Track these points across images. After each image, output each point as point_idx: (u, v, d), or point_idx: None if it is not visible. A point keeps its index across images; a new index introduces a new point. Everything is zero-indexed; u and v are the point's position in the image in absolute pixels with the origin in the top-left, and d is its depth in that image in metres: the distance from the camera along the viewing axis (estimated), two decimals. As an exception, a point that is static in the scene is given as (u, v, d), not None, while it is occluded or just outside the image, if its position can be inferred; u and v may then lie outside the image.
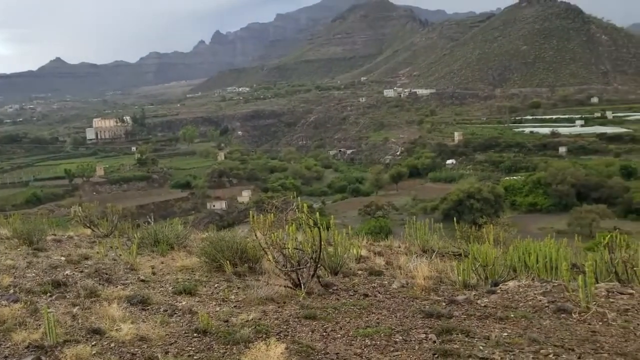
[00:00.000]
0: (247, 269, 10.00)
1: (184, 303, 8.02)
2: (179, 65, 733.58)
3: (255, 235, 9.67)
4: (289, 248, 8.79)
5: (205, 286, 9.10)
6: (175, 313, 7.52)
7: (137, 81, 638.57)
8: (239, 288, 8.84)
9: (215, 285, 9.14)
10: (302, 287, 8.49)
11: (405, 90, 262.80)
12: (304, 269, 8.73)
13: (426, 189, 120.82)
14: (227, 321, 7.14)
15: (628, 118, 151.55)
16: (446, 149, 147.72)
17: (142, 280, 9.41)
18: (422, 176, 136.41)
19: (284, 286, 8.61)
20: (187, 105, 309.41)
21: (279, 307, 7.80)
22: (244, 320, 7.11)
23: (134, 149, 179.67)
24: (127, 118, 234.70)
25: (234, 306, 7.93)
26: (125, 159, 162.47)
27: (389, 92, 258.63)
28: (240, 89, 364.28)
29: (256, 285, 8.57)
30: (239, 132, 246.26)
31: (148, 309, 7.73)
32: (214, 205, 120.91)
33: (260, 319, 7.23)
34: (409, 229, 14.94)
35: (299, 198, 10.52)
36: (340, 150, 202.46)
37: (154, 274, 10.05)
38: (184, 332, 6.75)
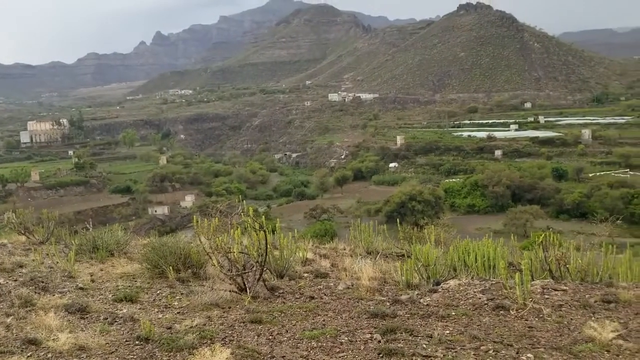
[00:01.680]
0: (191, 275, 9.82)
1: (124, 310, 7.80)
2: (118, 66, 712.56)
3: (199, 240, 9.53)
4: (234, 252, 8.70)
5: (147, 293, 8.88)
6: (116, 321, 7.30)
7: (74, 83, 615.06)
8: (182, 294, 8.67)
9: (158, 292, 8.93)
10: (248, 291, 8.43)
11: (349, 95, 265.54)
12: (250, 273, 8.67)
13: (370, 191, 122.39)
14: (170, 328, 6.99)
15: (559, 122, 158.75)
16: (389, 152, 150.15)
17: (81, 288, 9.08)
18: (366, 179, 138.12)
19: (229, 291, 8.52)
20: (127, 108, 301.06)
21: (224, 312, 7.71)
22: (187, 327, 6.98)
23: (71, 152, 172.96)
24: (64, 121, 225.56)
25: (178, 312, 7.77)
26: (61, 164, 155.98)
27: (333, 96, 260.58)
28: (183, 92, 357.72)
29: (200, 290, 8.44)
30: (182, 136, 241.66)
31: (87, 317, 7.47)
32: (155, 211, 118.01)
33: (204, 324, 7.12)
34: (354, 231, 15.09)
35: (244, 202, 10.43)
36: (285, 154, 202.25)
37: (93, 281, 9.72)
38: (125, 340, 6.56)
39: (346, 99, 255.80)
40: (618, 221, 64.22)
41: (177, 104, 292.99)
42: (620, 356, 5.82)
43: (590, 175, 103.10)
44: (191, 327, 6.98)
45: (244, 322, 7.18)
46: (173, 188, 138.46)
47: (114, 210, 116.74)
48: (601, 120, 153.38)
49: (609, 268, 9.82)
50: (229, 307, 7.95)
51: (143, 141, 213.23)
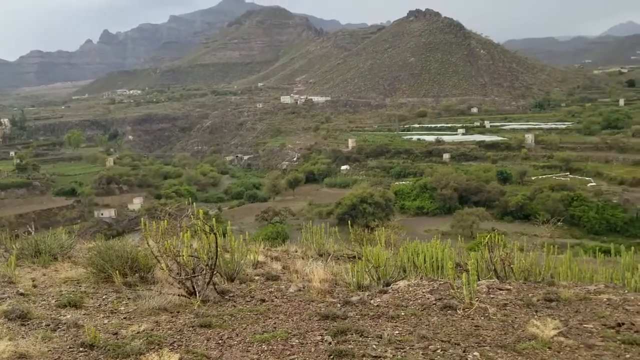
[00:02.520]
0: (139, 279, 9.59)
1: (68, 316, 7.54)
2: (63, 65, 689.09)
3: (147, 243, 9.32)
4: (183, 256, 8.56)
5: (92, 298, 8.61)
6: (59, 327, 7.05)
7: (16, 81, 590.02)
8: (129, 299, 8.46)
9: (104, 297, 8.68)
10: (197, 295, 8.30)
11: (302, 97, 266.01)
12: (200, 277, 8.54)
13: (322, 194, 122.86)
14: (116, 334, 6.80)
15: (503, 127, 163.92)
16: (341, 155, 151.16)
17: (22, 294, 8.72)
18: (318, 181, 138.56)
19: (178, 295, 8.37)
20: (72, 108, 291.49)
21: (172, 317, 7.57)
22: (134, 332, 6.81)
23: (12, 153, 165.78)
24: (5, 120, 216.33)
25: (124, 318, 7.57)
26: (2, 165, 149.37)
27: (285, 99, 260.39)
28: (131, 92, 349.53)
29: (148, 295, 8.25)
30: (130, 137, 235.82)
31: (28, 324, 7.18)
32: (102, 214, 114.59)
33: (152, 329, 6.97)
34: (306, 233, 15.12)
35: (194, 204, 10.28)
36: (237, 156, 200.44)
37: (34, 286, 9.34)
38: (68, 347, 6.34)
39: (298, 102, 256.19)
40: (559, 223, 67.02)
41: (125, 104, 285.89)
42: (561, 353, 6.05)
43: (533, 178, 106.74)
44: (138, 332, 6.81)
45: (193, 327, 7.07)
46: (120, 190, 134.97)
47: (58, 213, 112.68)
48: (543, 126, 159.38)
49: (551, 268, 10.22)
50: (178, 312, 7.81)
51: (89, 142, 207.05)
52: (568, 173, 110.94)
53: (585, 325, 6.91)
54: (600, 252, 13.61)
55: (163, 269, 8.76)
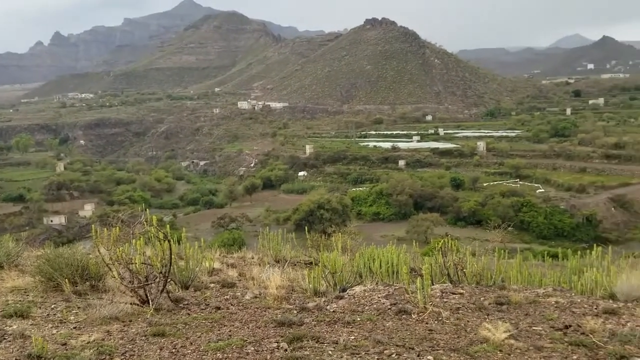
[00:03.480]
0: (89, 288, 9.33)
1: (14, 327, 7.25)
2: (11, 67, 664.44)
3: (99, 250, 9.08)
4: (136, 263, 8.38)
5: (40, 307, 8.31)
6: (5, 338, 6.78)
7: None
8: (79, 308, 8.21)
9: (52, 306, 8.39)
10: (151, 303, 8.13)
11: (259, 103, 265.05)
12: (153, 285, 8.38)
13: (279, 200, 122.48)
14: (65, 344, 6.59)
15: (457, 135, 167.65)
16: (298, 161, 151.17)
17: (-37, 305, 8.33)
18: (276, 188, 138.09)
19: (131, 303, 8.18)
20: (21, 111, 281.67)
21: (124, 326, 7.38)
22: (84, 342, 6.61)
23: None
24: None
25: (74, 327, 7.34)
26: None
27: (243, 104, 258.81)
28: (83, 95, 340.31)
29: (99, 304, 8.02)
30: (81, 142, 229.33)
31: (-30, 336, 6.87)
32: (51, 220, 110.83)
33: (103, 339, 6.78)
34: (262, 239, 15.04)
35: (147, 211, 10.07)
36: (193, 162, 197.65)
37: (-23, 297, 8.95)
38: (14, 358, 6.10)
39: (256, 107, 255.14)
40: (509, 228, 68.92)
41: (76, 108, 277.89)
42: (512, 355, 6.20)
43: (485, 184, 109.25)
44: (88, 342, 6.62)
45: (145, 336, 6.92)
46: (71, 196, 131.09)
47: (5, 220, 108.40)
48: (494, 133, 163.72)
49: (502, 272, 10.49)
50: (130, 321, 7.63)
51: (38, 147, 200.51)
52: (518, 180, 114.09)
53: (534, 328, 7.11)
54: (548, 256, 14.08)
55: (115, 277, 8.55)
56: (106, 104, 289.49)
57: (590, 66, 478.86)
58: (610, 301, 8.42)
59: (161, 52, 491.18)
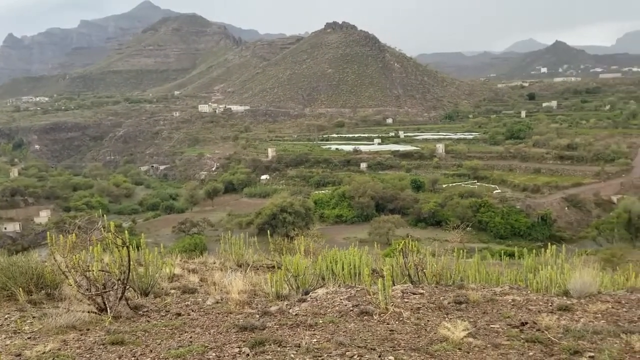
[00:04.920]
0: (45, 296, 9.07)
1: (-36, 340, 6.99)
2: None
3: (54, 258, 8.84)
4: (93, 270, 8.19)
5: (-8, 319, 8.03)
6: (-47, 352, 6.51)
7: None
8: (34, 317, 7.97)
9: (6, 316, 8.12)
10: (109, 311, 7.97)
11: (220, 106, 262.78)
12: (111, 292, 8.20)
13: (242, 204, 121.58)
14: (19, 355, 6.39)
15: (416, 137, 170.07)
16: (260, 164, 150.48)
17: None
18: (238, 191, 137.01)
19: (88, 312, 7.98)
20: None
21: (81, 335, 7.20)
22: (40, 353, 6.42)
23: None
24: None
25: (29, 338, 7.12)
26: None
27: (203, 108, 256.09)
28: (38, 99, 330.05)
29: (55, 313, 7.80)
30: (36, 146, 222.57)
31: None
32: (5, 228, 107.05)
33: (59, 349, 6.60)
34: (224, 244, 14.90)
35: (105, 217, 9.87)
36: (152, 166, 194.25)
37: None
38: (-37, 373, 5.88)
39: (217, 111, 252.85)
40: (468, 228, 70.32)
41: (31, 112, 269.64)
42: (470, 353, 6.33)
43: (444, 186, 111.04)
44: (44, 352, 6.43)
45: (104, 344, 6.76)
46: (26, 203, 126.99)
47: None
48: (453, 136, 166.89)
49: (460, 271, 10.70)
50: (88, 329, 7.45)
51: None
52: (476, 181, 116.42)
53: (492, 326, 7.28)
54: (505, 255, 14.41)
55: (71, 285, 8.34)
56: (62, 107, 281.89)
57: (544, 70, 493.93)
58: (564, 298, 8.68)
59: (119, 54, 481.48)
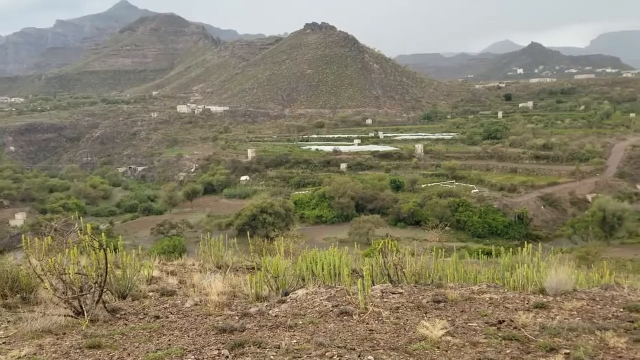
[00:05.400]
0: (20, 300, 8.92)
1: (-64, 346, 6.83)
2: None
3: (29, 261, 8.69)
4: (69, 274, 8.08)
5: (-36, 324, 7.86)
6: None
7: None
8: (9, 322, 7.83)
9: (-21, 322, 7.96)
10: (86, 314, 7.86)
11: (199, 107, 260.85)
12: (88, 295, 8.10)
13: (221, 205, 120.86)
14: (-7, 361, 6.27)
15: (396, 138, 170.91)
16: (240, 165, 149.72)
17: None
18: (217, 192, 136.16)
19: (64, 315, 7.87)
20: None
21: (57, 339, 7.10)
22: (15, 357, 6.32)
23: None
24: None
25: (3, 342, 7.00)
26: None
27: (182, 108, 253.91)
28: (13, 99, 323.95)
29: (30, 317, 7.68)
30: (11, 148, 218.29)
31: None
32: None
33: (35, 353, 6.50)
34: (204, 246, 14.83)
35: (81, 219, 9.73)
36: (130, 167, 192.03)
37: None
38: None
39: (196, 111, 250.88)
40: (446, 227, 70.95)
41: (6, 113, 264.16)
42: (449, 351, 6.39)
43: (423, 186, 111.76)
44: (19, 357, 6.33)
45: (80, 348, 6.67)
46: (1, 205, 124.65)
47: None
48: (431, 136, 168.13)
49: (439, 270, 10.80)
50: (64, 333, 7.34)
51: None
52: (454, 181, 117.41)
53: (470, 324, 7.36)
54: (483, 254, 14.58)
55: (47, 289, 8.21)
56: (38, 108, 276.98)
57: (520, 71, 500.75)
58: (541, 296, 8.82)
59: (96, 54, 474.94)
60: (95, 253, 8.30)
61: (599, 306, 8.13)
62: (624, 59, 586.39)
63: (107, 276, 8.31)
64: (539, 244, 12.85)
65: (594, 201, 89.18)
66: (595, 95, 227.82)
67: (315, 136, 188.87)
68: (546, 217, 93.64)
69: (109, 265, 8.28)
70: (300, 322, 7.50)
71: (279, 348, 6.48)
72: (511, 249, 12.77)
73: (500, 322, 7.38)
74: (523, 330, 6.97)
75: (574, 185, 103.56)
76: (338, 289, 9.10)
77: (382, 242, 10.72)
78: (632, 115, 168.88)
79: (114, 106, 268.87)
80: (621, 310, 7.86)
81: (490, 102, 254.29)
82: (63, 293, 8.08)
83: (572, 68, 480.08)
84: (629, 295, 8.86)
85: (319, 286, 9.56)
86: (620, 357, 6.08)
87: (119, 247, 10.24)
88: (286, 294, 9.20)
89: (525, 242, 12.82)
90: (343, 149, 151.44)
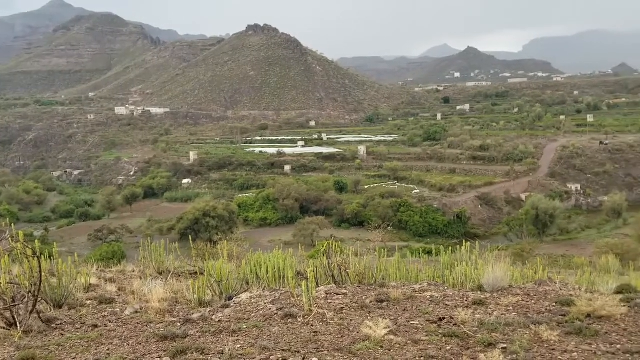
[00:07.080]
0: (-56, 314, 8.40)
1: None
2: None
3: (-45, 272, 8.21)
4: (0, 283, 7.69)
5: None
6: None
7: None
8: None
9: None
10: (19, 325, 7.51)
11: (138, 109, 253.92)
12: (21, 305, 7.74)
13: (162, 209, 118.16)
14: None
15: (339, 140, 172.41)
16: (182, 168, 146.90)
17: None
18: (158, 196, 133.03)
19: (-5, 328, 7.49)
20: None
21: (-13, 353, 6.75)
22: (-61, 376, 5.96)
23: None
24: None
25: None
26: None
27: (120, 110, 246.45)
28: None
29: (-43, 331, 7.27)
30: None
31: None
32: None
33: (-38, 370, 6.15)
34: (144, 251, 14.45)
35: (13, 226, 9.29)
36: (66, 171, 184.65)
37: None
38: None
39: (135, 113, 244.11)
40: (389, 227, 72.15)
41: None
42: (392, 350, 6.49)
43: (366, 187, 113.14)
44: (-56, 375, 5.97)
45: (13, 362, 6.37)
46: None
47: None
48: (373, 138, 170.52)
49: (382, 270, 10.96)
50: (-6, 347, 6.98)
51: None
52: (396, 181, 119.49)
53: (412, 322, 7.51)
54: (424, 253, 14.93)
55: (-25, 301, 7.78)
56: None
57: (457, 74, 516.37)
58: (479, 292, 9.11)
59: (28, 54, 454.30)
60: (29, 261, 7.95)
61: (533, 301, 8.48)
62: (555, 63, 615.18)
63: (42, 285, 7.98)
64: (477, 242, 13.29)
65: (528, 200, 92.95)
66: (527, 99, 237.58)
67: (259, 138, 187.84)
68: (483, 216, 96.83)
69: (43, 274, 7.94)
70: (244, 327, 7.44)
71: (222, 354, 6.40)
72: (451, 248, 13.12)
73: (440, 320, 7.57)
74: (462, 326, 7.18)
75: (508, 184, 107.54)
76: (283, 292, 9.09)
77: (327, 243, 10.78)
78: (562, 117, 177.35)
79: (48, 108, 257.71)
80: (554, 304, 8.23)
81: (429, 105, 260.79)
82: (-7, 304, 7.69)
83: (506, 72, 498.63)
84: (561, 290, 9.30)
85: (264, 289, 9.52)
86: (553, 349, 6.36)
87: (54, 255, 9.83)
88: (230, 299, 9.10)
89: (464, 240, 13.22)
90: (287, 151, 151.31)
